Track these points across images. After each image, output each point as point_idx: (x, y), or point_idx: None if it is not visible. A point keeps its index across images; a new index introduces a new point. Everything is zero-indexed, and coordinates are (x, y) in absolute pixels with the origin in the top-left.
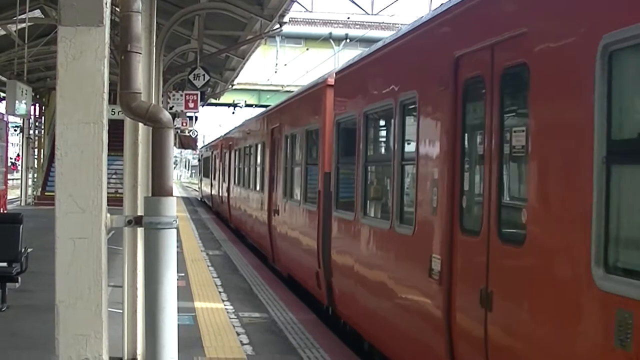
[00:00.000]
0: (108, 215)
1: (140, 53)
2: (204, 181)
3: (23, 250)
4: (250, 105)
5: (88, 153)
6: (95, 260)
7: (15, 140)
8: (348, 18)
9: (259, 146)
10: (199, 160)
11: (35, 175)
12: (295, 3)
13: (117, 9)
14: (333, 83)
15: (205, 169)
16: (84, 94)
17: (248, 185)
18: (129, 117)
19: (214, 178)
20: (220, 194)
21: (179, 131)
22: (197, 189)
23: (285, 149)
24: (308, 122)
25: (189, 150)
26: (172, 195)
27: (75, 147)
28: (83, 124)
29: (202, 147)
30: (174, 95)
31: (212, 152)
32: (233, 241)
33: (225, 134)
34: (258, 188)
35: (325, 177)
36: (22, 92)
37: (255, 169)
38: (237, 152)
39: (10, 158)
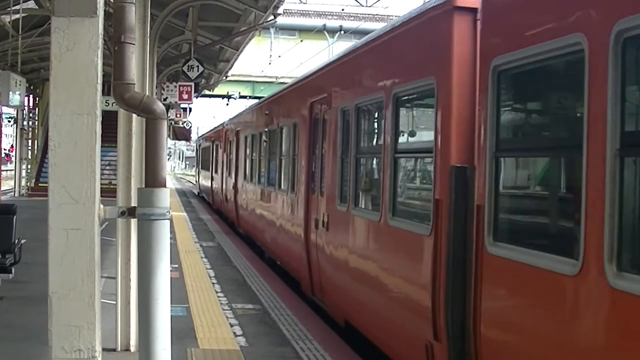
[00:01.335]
0: (101, 206)
1: (133, 44)
2: (202, 174)
3: (16, 241)
4: (245, 97)
5: (81, 144)
6: (88, 252)
7: (9, 132)
8: (342, 10)
9: (288, 129)
10: (195, 150)
11: (29, 166)
12: None
13: (111, 0)
14: (472, 2)
15: (203, 160)
16: (78, 85)
17: (267, 181)
18: (123, 108)
19: (216, 171)
20: (224, 191)
21: (172, 122)
22: (194, 182)
23: (341, 130)
24: (399, 83)
25: (183, 142)
26: (165, 186)
27: (69, 138)
28: (76, 115)
29: (200, 136)
30: (167, 86)
31: (214, 141)
32: (227, 233)
33: (231, 118)
34: (284, 187)
35: (456, 175)
36: (15, 83)
37: (279, 160)
38: (249, 140)
39: (4, 149)
